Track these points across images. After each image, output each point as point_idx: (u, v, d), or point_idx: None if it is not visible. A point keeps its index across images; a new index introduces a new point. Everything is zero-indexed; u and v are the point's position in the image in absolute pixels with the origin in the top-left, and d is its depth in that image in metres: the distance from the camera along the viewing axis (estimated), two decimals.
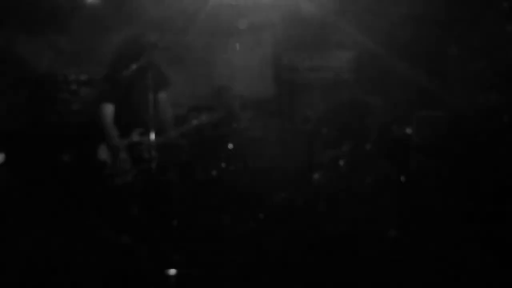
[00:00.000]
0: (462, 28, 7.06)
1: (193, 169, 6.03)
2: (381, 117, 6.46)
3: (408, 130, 6.16)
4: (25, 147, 5.98)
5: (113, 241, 4.85)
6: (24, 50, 6.90)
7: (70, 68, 6.96)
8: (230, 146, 5.98)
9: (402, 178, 6.14)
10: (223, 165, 6.11)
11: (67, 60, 7.12)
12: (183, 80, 7.20)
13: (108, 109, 5.27)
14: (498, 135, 6.31)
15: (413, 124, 6.68)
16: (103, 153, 5.23)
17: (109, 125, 5.25)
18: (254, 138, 6.99)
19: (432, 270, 4.52)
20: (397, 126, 6.50)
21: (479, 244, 4.88)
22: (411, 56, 7.26)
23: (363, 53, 7.62)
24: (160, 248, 4.69)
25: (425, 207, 5.72)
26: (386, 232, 5.32)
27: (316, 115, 7.14)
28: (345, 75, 7.60)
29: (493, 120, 6.52)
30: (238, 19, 7.42)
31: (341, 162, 6.19)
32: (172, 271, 4.46)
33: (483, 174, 6.05)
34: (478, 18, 6.92)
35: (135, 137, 5.21)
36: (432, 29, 7.19)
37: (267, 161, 6.63)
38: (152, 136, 4.69)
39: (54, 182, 5.88)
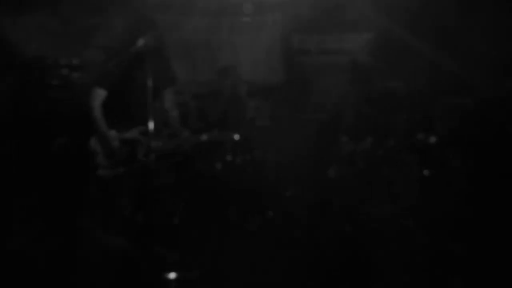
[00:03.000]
0: (489, 9, 6.87)
1: (196, 161, 5.82)
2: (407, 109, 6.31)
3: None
4: (12, 137, 5.96)
5: (104, 240, 4.80)
6: (11, 32, 6.74)
7: (61, 51, 6.83)
8: (236, 137, 5.57)
9: (426, 173, 5.92)
10: (228, 157, 5.91)
11: (58, 43, 6.95)
12: (184, 64, 7.30)
13: (99, 97, 4.91)
14: None
15: (437, 112, 6.45)
16: (94, 144, 4.93)
17: (99, 114, 4.91)
18: (262, 128, 6.89)
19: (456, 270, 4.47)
20: (420, 116, 6.30)
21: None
22: (434, 38, 7.07)
23: (382, 34, 7.47)
24: (156, 249, 4.54)
25: (451, 203, 5.57)
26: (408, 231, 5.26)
27: (331, 103, 7.06)
28: (361, 58, 7.40)
29: None
30: None
31: (360, 157, 5.95)
32: (172, 275, 4.37)
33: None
34: None
35: (134, 133, 4.89)
36: (457, 9, 6.98)
37: (277, 153, 6.45)
38: (151, 136, 4.51)
39: (42, 172, 5.79)
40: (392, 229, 5.26)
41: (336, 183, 5.99)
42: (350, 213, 5.60)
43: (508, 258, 4.53)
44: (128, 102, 4.94)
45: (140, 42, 4.66)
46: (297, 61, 7.88)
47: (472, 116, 6.32)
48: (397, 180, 5.80)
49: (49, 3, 6.89)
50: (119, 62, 4.86)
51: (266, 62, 7.77)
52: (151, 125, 4.43)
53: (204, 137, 5.21)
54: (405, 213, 5.48)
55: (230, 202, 5.66)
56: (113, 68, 4.91)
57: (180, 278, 4.35)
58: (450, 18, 7.07)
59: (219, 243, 4.99)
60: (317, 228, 5.40)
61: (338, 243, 5.08)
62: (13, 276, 4.25)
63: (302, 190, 6.16)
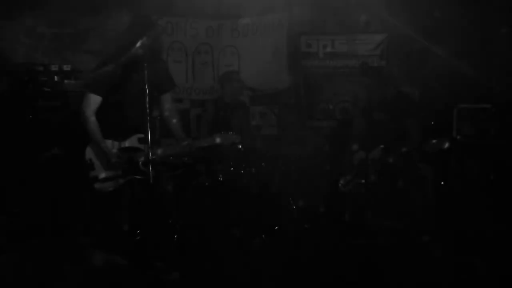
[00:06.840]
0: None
1: (197, 173, 5.78)
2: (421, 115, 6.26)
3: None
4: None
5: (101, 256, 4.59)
6: None
7: (51, 57, 6.85)
8: (238, 140, 5.57)
9: (442, 183, 5.94)
10: (231, 168, 5.77)
11: (48, 47, 7.01)
12: (183, 70, 7.40)
13: (94, 104, 4.83)
14: None
15: (454, 118, 6.48)
16: (89, 154, 4.87)
17: (93, 122, 4.83)
18: (267, 137, 6.93)
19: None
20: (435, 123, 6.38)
21: None
22: (450, 40, 6.99)
23: (394, 36, 7.42)
24: (155, 267, 4.46)
25: (469, 215, 5.59)
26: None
27: (340, 110, 7.13)
28: (373, 62, 7.39)
29: None
30: None
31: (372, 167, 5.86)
32: None
33: None
34: None
35: (132, 141, 4.85)
36: (475, 8, 6.95)
37: (283, 164, 6.32)
38: (151, 144, 4.47)
39: (33, 186, 5.73)
40: (407, 244, 5.17)
41: (347, 194, 5.91)
42: (361, 226, 5.54)
43: None
44: (125, 109, 4.88)
45: (137, 45, 4.58)
46: (304, 65, 7.80)
47: (492, 122, 6.35)
48: (411, 191, 5.70)
49: (38, 6, 6.81)
50: (114, 66, 4.76)
51: (271, 67, 7.65)
52: (150, 132, 4.39)
53: (205, 142, 5.19)
54: (420, 226, 5.40)
55: (234, 216, 5.54)
56: (108, 73, 4.80)
57: None
58: (467, 17, 7.04)
59: (222, 260, 4.86)
60: (326, 242, 5.31)
61: (349, 258, 4.94)
62: None
63: (310, 203, 6.11)
